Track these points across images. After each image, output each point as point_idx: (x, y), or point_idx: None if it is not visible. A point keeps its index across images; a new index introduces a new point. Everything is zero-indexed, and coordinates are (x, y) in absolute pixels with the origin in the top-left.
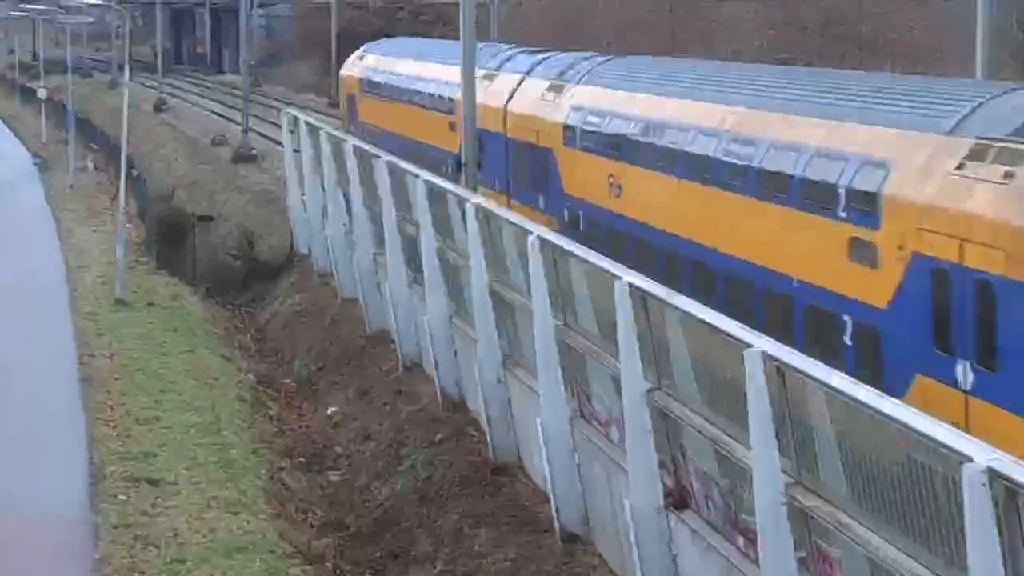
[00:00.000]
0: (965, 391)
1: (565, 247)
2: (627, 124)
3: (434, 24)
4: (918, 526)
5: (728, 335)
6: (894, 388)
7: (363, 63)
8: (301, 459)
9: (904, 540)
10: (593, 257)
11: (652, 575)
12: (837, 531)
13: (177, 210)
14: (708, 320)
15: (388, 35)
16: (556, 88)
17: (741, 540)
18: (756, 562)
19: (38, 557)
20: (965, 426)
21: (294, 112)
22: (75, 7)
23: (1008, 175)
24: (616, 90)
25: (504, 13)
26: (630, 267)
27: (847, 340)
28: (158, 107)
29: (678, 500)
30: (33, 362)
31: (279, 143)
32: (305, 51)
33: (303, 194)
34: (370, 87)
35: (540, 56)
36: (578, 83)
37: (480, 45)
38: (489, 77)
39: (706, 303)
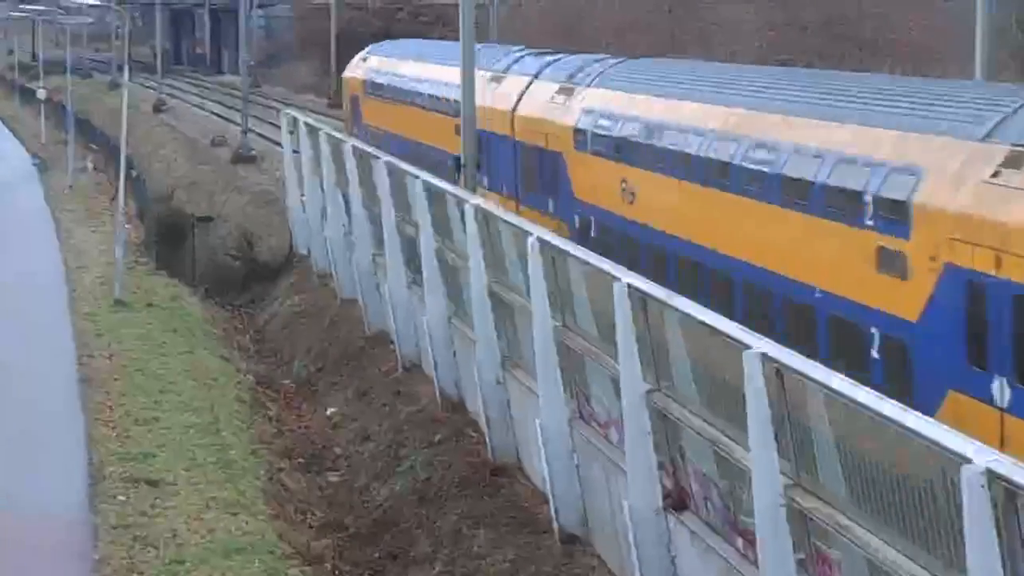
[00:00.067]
0: (1001, 408)
1: (564, 248)
2: (641, 128)
3: (433, 25)
4: (917, 528)
5: (727, 336)
6: (925, 404)
7: (366, 65)
8: (300, 460)
9: (903, 542)
10: (592, 258)
11: None
12: (836, 533)
13: (176, 211)
14: (707, 321)
15: (388, 36)
16: (566, 91)
17: (740, 541)
18: (755, 563)
19: (37, 557)
20: (1000, 445)
21: (293, 113)
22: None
23: None
24: (629, 93)
25: (503, 14)
26: (643, 274)
27: (874, 353)
28: (157, 108)
29: (677, 501)
30: (32, 362)
31: (278, 144)
32: (304, 52)
33: (302, 195)
34: (374, 89)
35: (549, 58)
36: (589, 86)
37: (487, 47)
38: (496, 80)
39: (724, 313)
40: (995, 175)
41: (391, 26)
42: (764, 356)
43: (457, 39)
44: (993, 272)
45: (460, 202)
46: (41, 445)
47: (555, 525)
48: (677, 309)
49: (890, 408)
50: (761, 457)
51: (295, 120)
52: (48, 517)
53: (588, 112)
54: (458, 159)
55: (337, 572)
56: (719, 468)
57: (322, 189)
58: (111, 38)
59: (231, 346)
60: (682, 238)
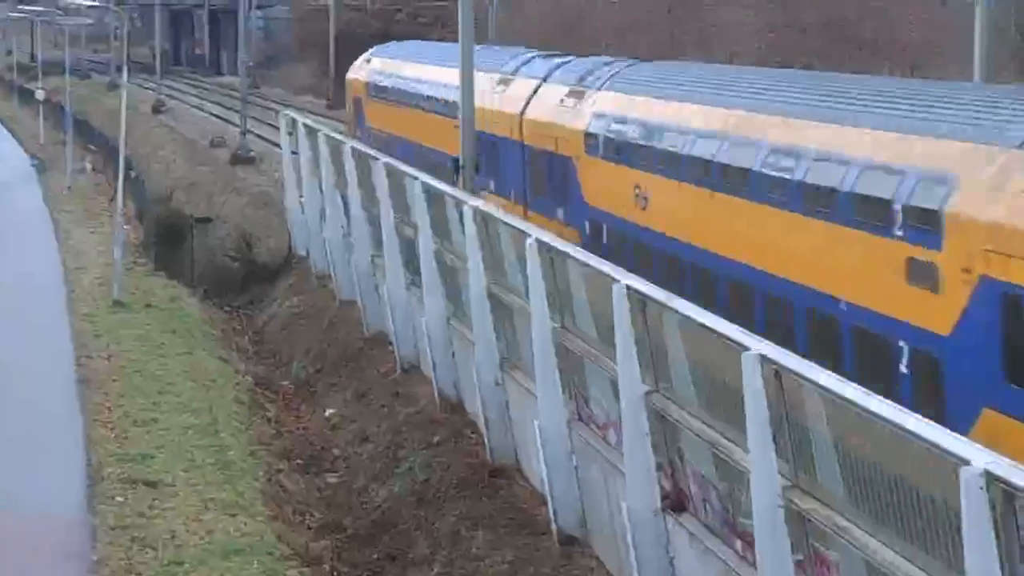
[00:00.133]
0: None
1: (563, 249)
2: (655, 132)
3: (432, 26)
4: (915, 529)
5: (725, 338)
6: (958, 421)
7: (370, 67)
8: (299, 461)
9: (901, 543)
10: (591, 260)
11: None
12: (834, 534)
13: (175, 212)
14: (706, 323)
15: (386, 37)
16: (576, 94)
17: (738, 543)
18: (753, 565)
19: (36, 558)
20: None
21: (292, 114)
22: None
23: None
24: (642, 96)
25: (502, 15)
26: (657, 283)
27: (903, 368)
28: (156, 108)
29: (675, 503)
30: (31, 363)
31: (277, 145)
32: (303, 53)
33: (301, 196)
34: (377, 92)
35: (558, 61)
36: (600, 89)
37: (494, 49)
38: (504, 82)
39: (743, 324)
40: None
41: (390, 27)
42: (763, 358)
43: (456, 40)
44: None
45: (459, 203)
46: (40, 446)
47: (553, 526)
48: (676, 311)
49: (889, 410)
50: (759, 458)
51: (294, 121)
52: (47, 518)
53: (599, 116)
54: (457, 160)
55: (336, 573)
56: (718, 469)
57: (321, 190)
58: (110, 39)
59: (230, 347)
60: (697, 246)
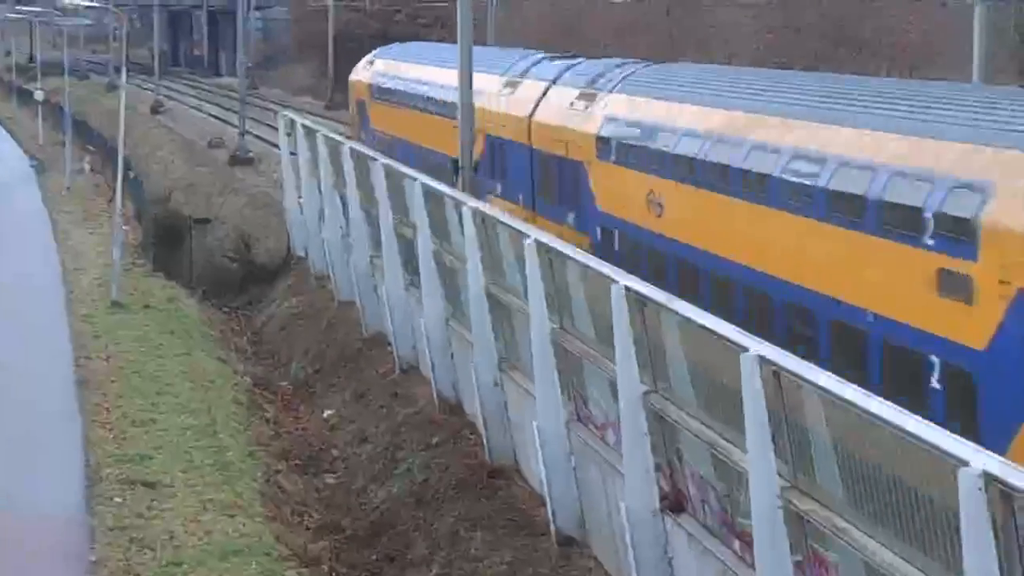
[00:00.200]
0: None
1: (561, 250)
2: (670, 136)
3: (432, 27)
4: (914, 530)
5: (724, 339)
6: (994, 438)
7: (373, 68)
8: (297, 462)
9: (900, 544)
10: (590, 260)
11: None
12: (833, 535)
13: (174, 212)
14: (704, 324)
15: (385, 38)
16: (587, 97)
17: (737, 544)
18: (752, 566)
19: (35, 559)
20: None
21: (291, 115)
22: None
23: None
24: (656, 99)
25: (502, 15)
26: (673, 292)
27: (935, 383)
28: (155, 109)
29: (674, 503)
30: (30, 364)
31: (276, 146)
32: (302, 54)
33: (300, 197)
34: (381, 93)
35: (567, 63)
36: (612, 91)
37: (501, 51)
38: (511, 85)
39: (763, 335)
40: None
41: (389, 28)
42: (761, 359)
43: (456, 41)
44: None
45: (458, 204)
46: (39, 446)
47: (552, 527)
48: (675, 312)
49: (888, 411)
50: (758, 459)
51: (293, 122)
52: (45, 518)
53: (612, 119)
54: (456, 161)
55: (334, 574)
56: (716, 470)
57: (320, 191)
58: (109, 40)
59: (228, 348)
60: (715, 254)
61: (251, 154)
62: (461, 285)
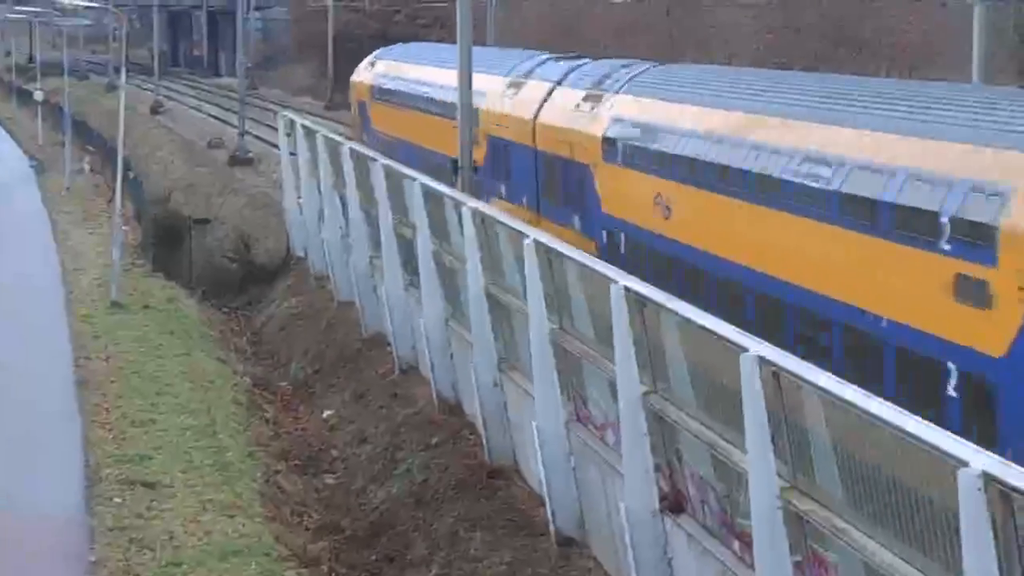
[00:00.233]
0: None
1: (561, 250)
2: (679, 138)
3: (431, 27)
4: (913, 530)
5: (724, 339)
6: (1013, 446)
7: (375, 69)
8: (297, 462)
9: (900, 544)
10: (589, 261)
11: None
12: (833, 535)
13: (173, 213)
14: (704, 324)
15: (385, 38)
16: (593, 98)
17: (737, 544)
18: (751, 566)
19: (34, 559)
20: None
21: (291, 115)
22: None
23: None
24: (665, 100)
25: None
26: (681, 297)
27: (951, 391)
28: (155, 110)
29: (674, 504)
30: (30, 364)
31: (275, 146)
32: (301, 54)
33: (299, 197)
34: (383, 95)
35: (572, 63)
36: (618, 92)
37: (505, 51)
38: (515, 85)
39: (774, 341)
40: None
41: (388, 29)
42: (761, 359)
43: (455, 42)
44: None
45: (457, 204)
46: (38, 447)
47: (552, 527)
48: (674, 312)
49: (887, 411)
50: (758, 460)
51: (292, 122)
52: (45, 519)
53: (618, 121)
54: (455, 161)
55: (333, 574)
56: (716, 471)
57: (319, 191)
58: (108, 40)
59: (228, 348)
60: (724, 258)
61: (251, 154)
62: (460, 285)
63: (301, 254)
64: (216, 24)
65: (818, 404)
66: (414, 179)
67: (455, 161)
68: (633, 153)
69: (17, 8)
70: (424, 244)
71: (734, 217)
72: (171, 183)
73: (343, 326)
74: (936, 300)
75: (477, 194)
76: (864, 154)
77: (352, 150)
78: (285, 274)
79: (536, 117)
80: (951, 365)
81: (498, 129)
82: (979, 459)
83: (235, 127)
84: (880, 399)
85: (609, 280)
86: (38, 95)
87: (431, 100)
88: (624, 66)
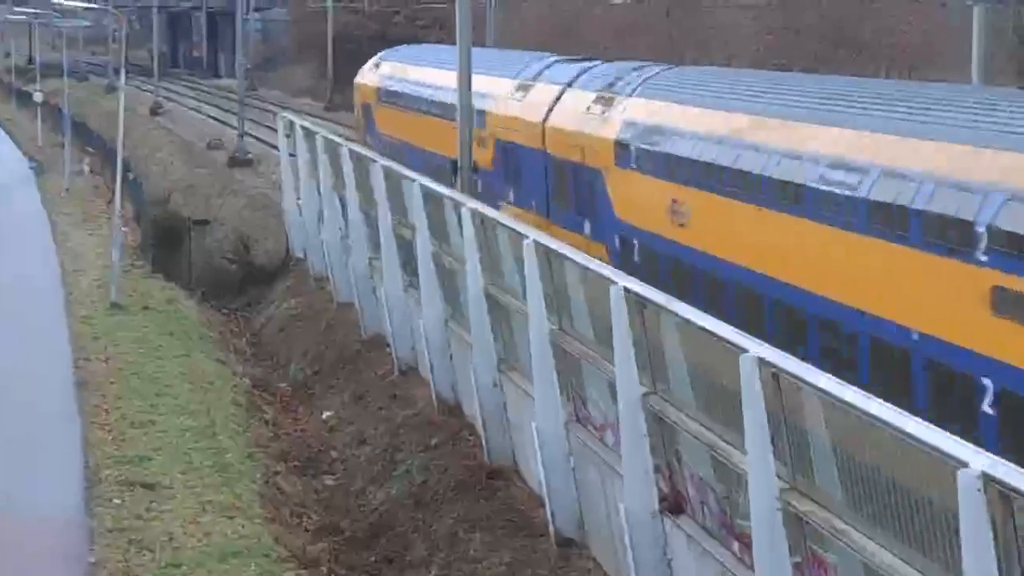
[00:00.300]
0: None
1: (560, 251)
2: (695, 143)
3: (431, 28)
4: (913, 531)
5: (724, 340)
6: None
7: (379, 72)
8: (296, 463)
9: (899, 545)
10: (588, 261)
11: None
12: (832, 536)
13: (173, 214)
14: (704, 325)
15: (384, 40)
16: (605, 101)
17: (736, 545)
18: (751, 567)
19: (34, 560)
20: None
21: (290, 116)
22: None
23: None
24: (679, 104)
25: (500, 16)
26: (697, 306)
27: (986, 408)
28: (154, 111)
29: (673, 505)
30: (29, 365)
31: (275, 147)
32: (301, 55)
33: (299, 198)
34: (387, 97)
35: (582, 66)
36: (631, 95)
37: (513, 53)
38: (523, 88)
39: (796, 353)
40: None
41: (387, 30)
42: (761, 360)
43: (455, 43)
44: None
45: (457, 205)
46: (38, 448)
47: (551, 528)
48: (674, 313)
49: (887, 412)
50: (757, 461)
51: (292, 124)
52: (44, 520)
53: (631, 124)
54: (455, 162)
55: (333, 575)
56: (715, 472)
57: (319, 192)
58: (108, 41)
59: (227, 349)
60: (743, 266)
61: (250, 155)
62: (460, 286)
63: (300, 255)
64: (215, 25)
65: (818, 405)
66: (413, 180)
67: (455, 162)
68: (647, 157)
69: (17, 9)
70: (423, 245)
71: (754, 224)
72: (171, 184)
73: (342, 327)
74: (971, 313)
75: (485, 199)
76: (894, 160)
77: (351, 151)
78: (284, 275)
79: (546, 120)
80: (987, 381)
81: (506, 132)
82: (979, 460)
83: (234, 128)
84: (880, 400)
85: (609, 281)
86: (38, 96)
87: (439, 103)
88: (636, 69)
